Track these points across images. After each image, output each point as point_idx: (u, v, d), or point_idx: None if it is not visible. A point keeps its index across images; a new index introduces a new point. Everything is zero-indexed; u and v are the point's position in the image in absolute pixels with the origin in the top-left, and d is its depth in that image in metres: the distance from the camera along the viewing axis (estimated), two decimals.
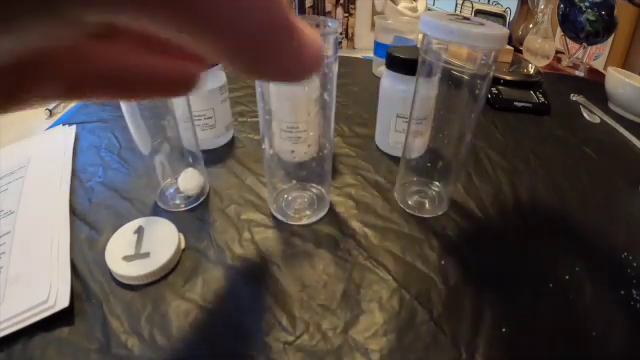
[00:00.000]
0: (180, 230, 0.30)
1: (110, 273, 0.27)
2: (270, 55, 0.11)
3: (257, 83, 0.27)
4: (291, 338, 0.24)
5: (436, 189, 0.36)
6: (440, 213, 0.34)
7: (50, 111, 0.53)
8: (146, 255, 0.27)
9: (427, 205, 0.34)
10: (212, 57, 0.10)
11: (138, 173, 0.39)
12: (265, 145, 0.30)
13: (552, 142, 0.47)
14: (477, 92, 0.28)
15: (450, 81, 0.29)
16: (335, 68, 0.26)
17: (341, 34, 0.80)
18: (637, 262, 0.29)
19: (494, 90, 0.57)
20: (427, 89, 0.38)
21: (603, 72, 0.71)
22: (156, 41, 0.12)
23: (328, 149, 0.30)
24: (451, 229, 0.32)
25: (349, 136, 0.46)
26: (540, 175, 0.40)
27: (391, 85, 0.39)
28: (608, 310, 0.26)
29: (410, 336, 0.24)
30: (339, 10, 0.80)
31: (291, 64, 0.11)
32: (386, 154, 0.43)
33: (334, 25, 0.24)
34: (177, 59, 0.14)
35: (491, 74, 0.27)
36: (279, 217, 0.32)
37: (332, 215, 0.33)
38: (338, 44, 0.25)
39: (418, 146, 0.41)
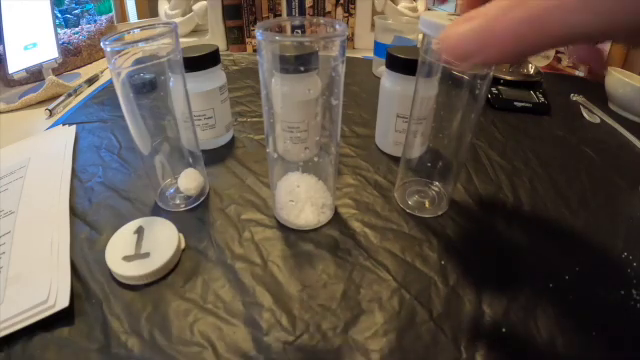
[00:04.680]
0: (180, 230, 0.30)
1: (110, 273, 0.27)
2: None
3: (262, 86, 0.27)
4: (291, 338, 0.24)
5: (436, 189, 0.36)
6: (440, 213, 0.34)
7: (50, 111, 0.53)
8: (146, 255, 0.27)
9: (427, 205, 0.34)
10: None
11: (138, 173, 0.39)
12: (269, 148, 0.30)
13: (552, 142, 0.47)
14: (477, 92, 0.28)
15: (450, 81, 0.29)
16: (342, 70, 0.26)
17: (348, 38, 0.80)
18: (637, 262, 0.29)
19: (494, 90, 0.57)
20: (427, 89, 0.38)
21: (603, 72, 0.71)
22: None
23: (334, 153, 0.30)
24: (451, 229, 0.32)
25: (349, 136, 0.46)
26: (540, 175, 0.40)
27: (391, 85, 0.39)
28: (608, 310, 0.26)
29: (410, 336, 0.24)
30: (339, 10, 0.80)
31: None
32: (386, 154, 0.43)
33: (342, 28, 0.24)
34: None
35: (491, 74, 0.27)
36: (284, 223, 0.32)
37: (332, 215, 0.33)
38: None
39: (418, 146, 0.41)
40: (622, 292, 0.27)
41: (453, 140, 0.32)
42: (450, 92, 0.29)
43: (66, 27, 0.75)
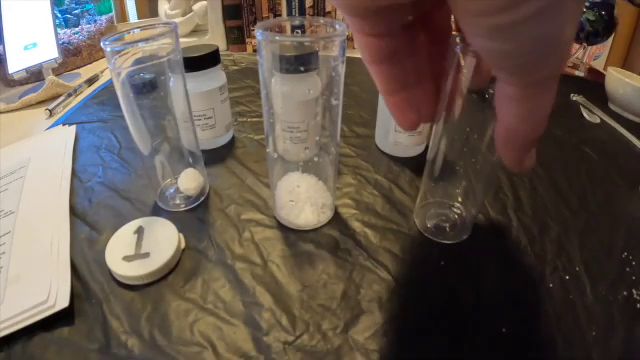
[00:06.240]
0: (180, 230, 0.30)
1: (110, 273, 0.27)
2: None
3: (262, 86, 0.27)
4: (291, 338, 0.24)
5: (458, 212, 0.32)
6: (464, 237, 0.31)
7: (50, 111, 0.53)
8: (146, 255, 0.27)
9: (448, 229, 0.31)
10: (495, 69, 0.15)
11: (138, 173, 0.39)
12: (269, 148, 0.30)
13: (552, 142, 0.47)
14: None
15: (477, 97, 0.27)
16: (342, 70, 0.26)
17: (348, 38, 0.80)
18: (637, 262, 0.29)
19: (491, 90, 0.57)
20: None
21: (603, 72, 0.71)
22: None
23: (334, 153, 0.30)
24: (451, 229, 0.32)
25: (349, 136, 0.46)
26: (540, 175, 0.40)
27: None
28: (608, 310, 0.26)
29: (410, 336, 0.24)
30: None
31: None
32: (386, 154, 0.43)
33: (342, 28, 0.24)
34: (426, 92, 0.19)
35: None
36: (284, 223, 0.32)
37: (332, 215, 0.33)
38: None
39: (415, 145, 0.41)
40: (622, 292, 0.27)
41: (479, 161, 0.28)
42: (478, 109, 0.27)
43: (66, 27, 0.75)
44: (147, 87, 0.29)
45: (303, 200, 0.32)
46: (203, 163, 0.35)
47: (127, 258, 0.27)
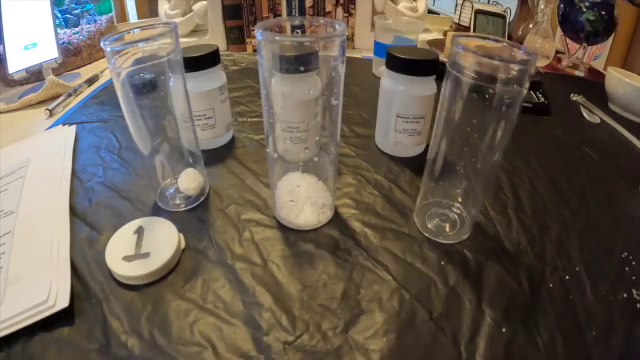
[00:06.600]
0: (180, 230, 0.30)
1: (110, 273, 0.27)
2: None
3: (262, 86, 0.27)
4: (291, 338, 0.24)
5: (458, 212, 0.33)
6: (464, 237, 0.31)
7: (50, 111, 0.53)
8: (146, 255, 0.27)
9: (448, 229, 0.32)
10: None
11: (138, 173, 0.39)
12: (269, 148, 0.30)
13: (552, 142, 0.47)
14: (505, 109, 0.26)
15: (477, 96, 0.27)
16: (342, 70, 0.26)
17: (348, 38, 0.80)
18: (637, 262, 0.29)
19: (491, 90, 0.57)
20: (426, 88, 0.38)
21: (603, 72, 0.71)
22: None
23: (334, 153, 0.30)
24: (451, 229, 0.32)
25: (349, 136, 0.46)
26: (540, 175, 0.40)
27: (391, 85, 0.39)
28: (608, 310, 0.26)
29: (410, 336, 0.24)
30: (339, 10, 0.80)
31: None
32: (386, 154, 0.43)
33: (342, 28, 0.24)
34: None
35: (524, 91, 0.26)
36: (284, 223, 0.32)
37: (332, 215, 0.33)
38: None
39: (415, 145, 0.41)
40: (622, 292, 0.27)
41: (479, 161, 0.28)
42: (478, 110, 0.27)
43: (66, 27, 0.75)
44: (147, 87, 0.29)
45: (303, 200, 0.32)
46: (203, 163, 0.35)
47: (127, 258, 0.27)
